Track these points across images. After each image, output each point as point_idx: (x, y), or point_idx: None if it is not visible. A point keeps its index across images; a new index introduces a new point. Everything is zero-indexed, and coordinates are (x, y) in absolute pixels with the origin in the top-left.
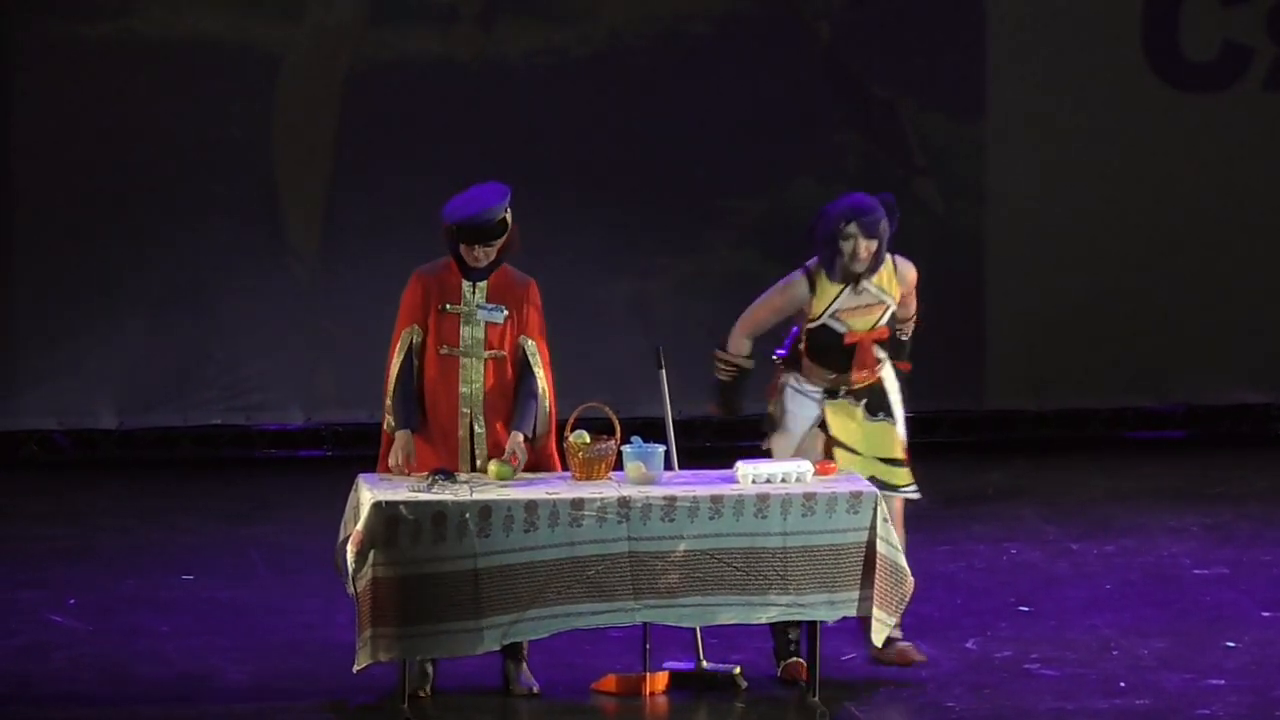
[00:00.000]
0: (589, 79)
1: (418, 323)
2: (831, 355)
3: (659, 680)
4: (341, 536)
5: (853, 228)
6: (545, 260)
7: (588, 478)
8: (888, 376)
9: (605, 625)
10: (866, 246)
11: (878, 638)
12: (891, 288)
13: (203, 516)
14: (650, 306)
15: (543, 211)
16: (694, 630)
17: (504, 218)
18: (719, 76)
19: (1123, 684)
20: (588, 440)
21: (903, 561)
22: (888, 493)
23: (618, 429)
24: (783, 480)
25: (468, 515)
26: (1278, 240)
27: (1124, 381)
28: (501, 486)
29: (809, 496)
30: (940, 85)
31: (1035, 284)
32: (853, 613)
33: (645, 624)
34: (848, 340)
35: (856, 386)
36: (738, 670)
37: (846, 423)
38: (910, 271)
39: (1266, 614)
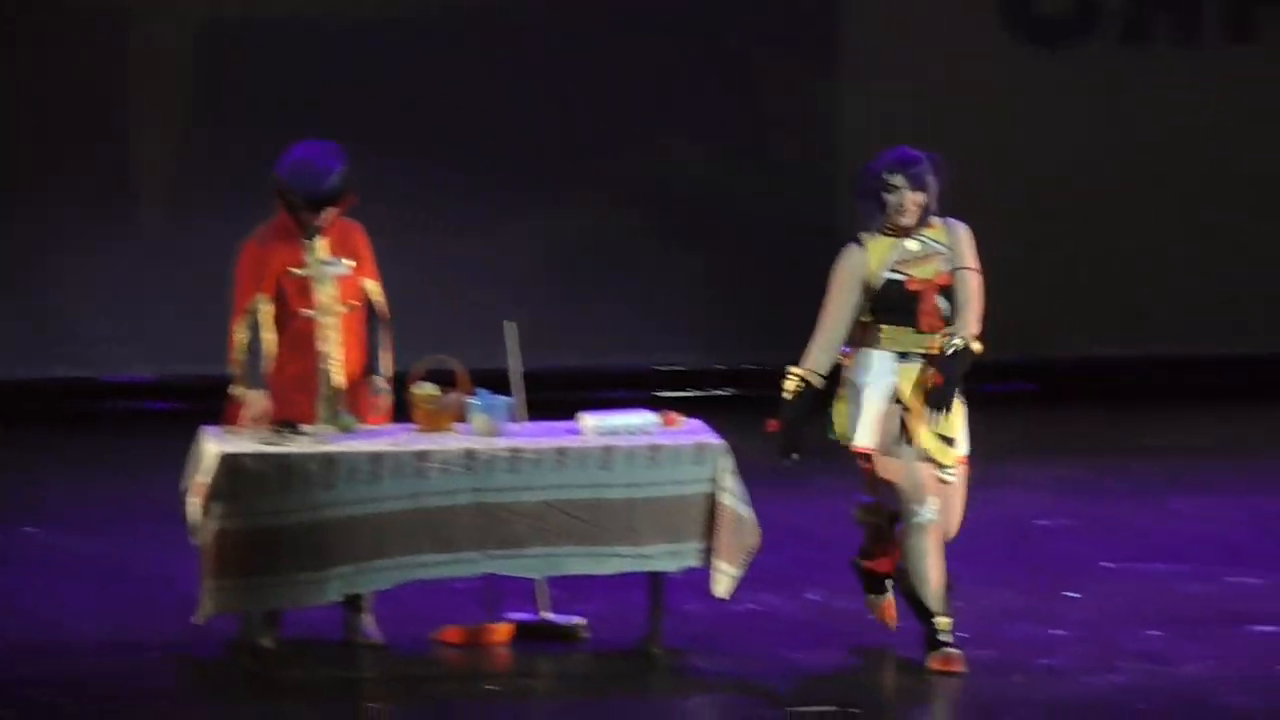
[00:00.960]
0: (445, 32)
1: (263, 291)
2: (898, 311)
3: (502, 631)
4: (182, 487)
5: (899, 179)
6: (401, 213)
7: (433, 430)
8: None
9: (449, 576)
10: (913, 199)
11: (720, 588)
12: (942, 238)
13: (47, 469)
14: (500, 260)
15: (398, 165)
16: (538, 582)
17: (342, 180)
18: (583, 31)
19: (967, 635)
20: (433, 392)
21: (747, 512)
22: (933, 469)
23: (464, 381)
24: (628, 431)
25: (312, 467)
26: (1123, 198)
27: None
28: (346, 438)
29: (653, 448)
30: (794, 38)
31: None
32: (697, 563)
33: (489, 575)
34: (909, 286)
35: (927, 349)
36: (580, 621)
37: (914, 389)
38: (962, 228)
39: (1110, 565)
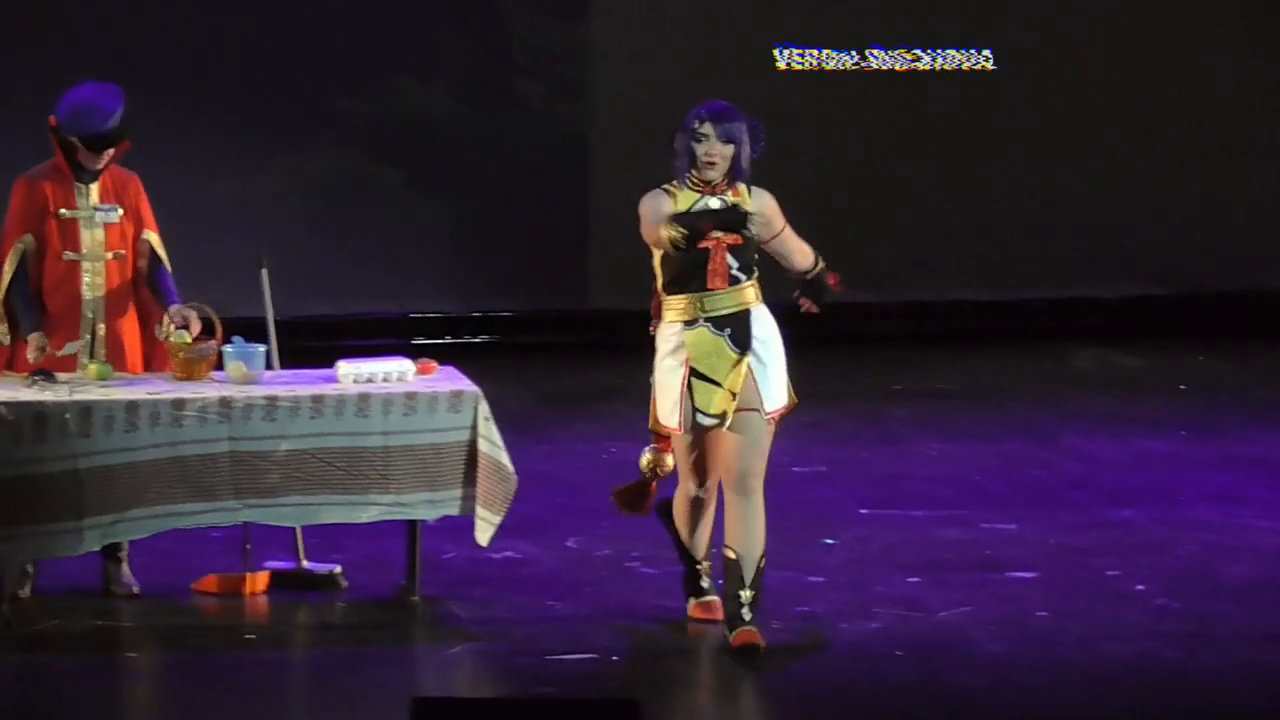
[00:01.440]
0: None
1: (31, 231)
2: (689, 274)
3: (260, 580)
4: None
5: (706, 128)
6: (148, 159)
7: (189, 378)
8: (759, 317)
9: (207, 525)
10: (720, 151)
11: (482, 536)
12: (745, 203)
13: None
14: (252, 206)
15: (146, 111)
16: (295, 530)
17: (122, 122)
18: None
19: (720, 581)
20: (189, 340)
21: (505, 460)
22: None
23: (219, 329)
24: (384, 379)
25: (68, 416)
26: (868, 153)
27: None
28: (103, 387)
29: (410, 396)
30: None
31: (637, 185)
32: (455, 511)
33: (246, 524)
34: (699, 246)
35: (719, 312)
36: (338, 570)
37: (708, 351)
38: (768, 196)
39: (864, 511)
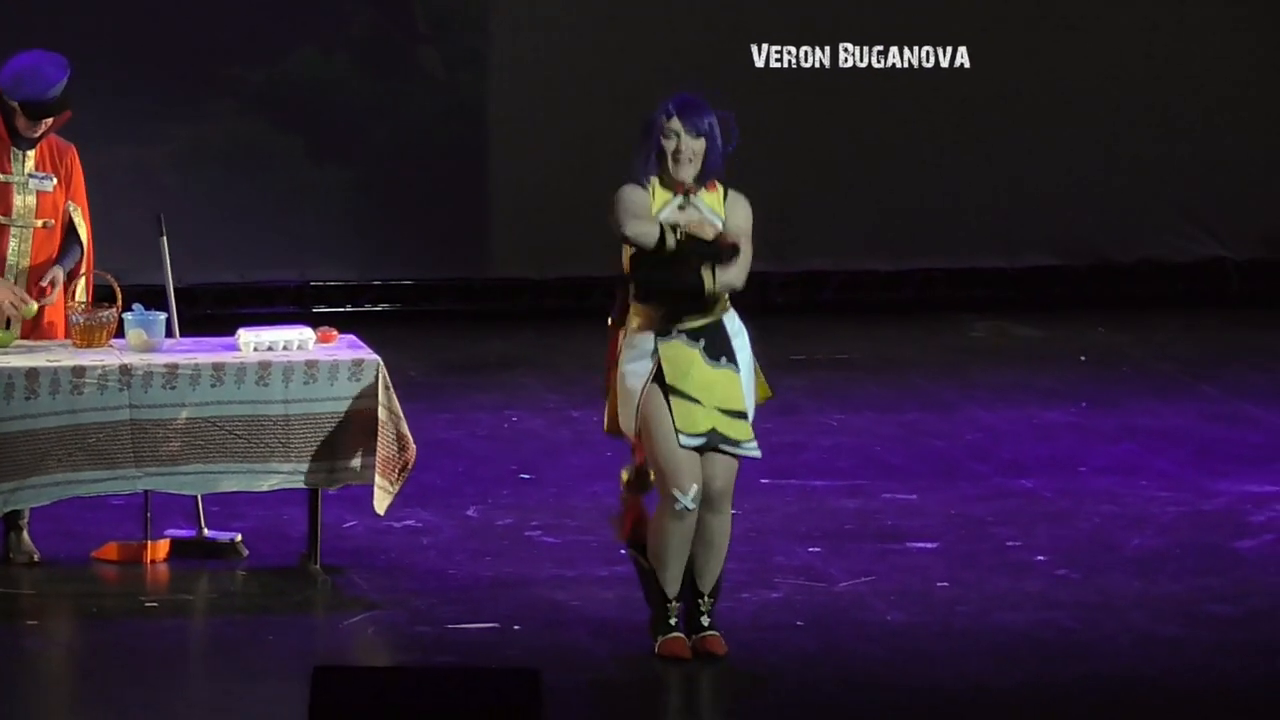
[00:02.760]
0: None
1: None
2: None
3: (160, 548)
4: None
5: (675, 124)
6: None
7: (88, 345)
8: (730, 319)
9: (107, 493)
10: (691, 146)
11: (379, 505)
12: (720, 210)
13: None
14: (151, 174)
15: None
16: (196, 498)
17: (64, 92)
18: None
19: (623, 551)
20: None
21: (405, 429)
22: (727, 447)
23: (119, 296)
24: (284, 348)
25: None
26: (760, 125)
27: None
28: (2, 353)
29: (311, 364)
30: None
31: (539, 154)
32: (355, 481)
33: (147, 492)
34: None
35: (691, 324)
36: (238, 538)
37: (684, 366)
38: (742, 204)
39: (764, 481)
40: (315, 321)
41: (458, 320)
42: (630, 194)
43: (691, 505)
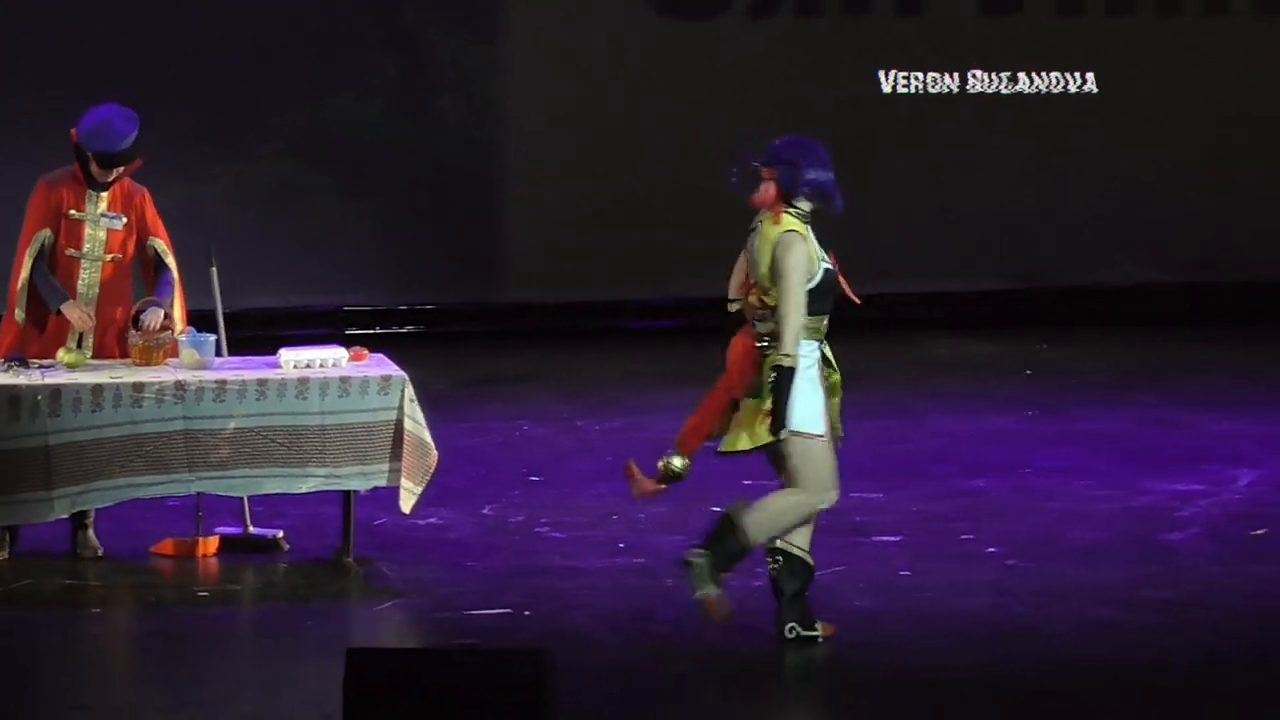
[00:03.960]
0: None
1: (49, 226)
2: (827, 298)
3: (211, 544)
4: None
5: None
6: None
7: (147, 364)
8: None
9: (163, 495)
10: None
11: (405, 505)
12: (763, 242)
13: None
14: (202, 210)
15: None
16: (242, 499)
17: (134, 144)
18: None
19: (622, 545)
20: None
21: (428, 437)
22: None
23: (175, 320)
24: (321, 365)
25: (40, 398)
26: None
27: (627, 276)
28: (71, 372)
29: (344, 380)
30: (464, 11)
31: (549, 190)
32: (384, 483)
33: (199, 494)
34: (838, 273)
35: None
36: (280, 535)
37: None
38: (772, 247)
39: (748, 482)
40: (348, 342)
41: (475, 340)
42: (798, 251)
43: (829, 506)
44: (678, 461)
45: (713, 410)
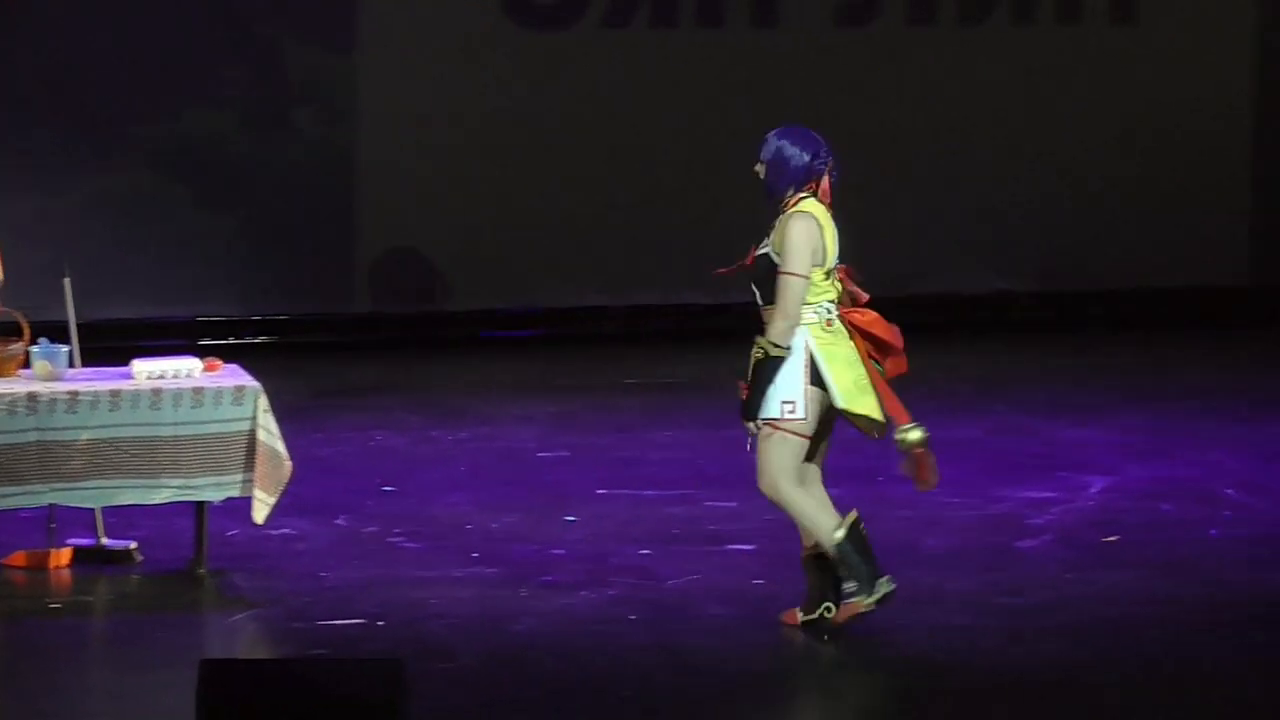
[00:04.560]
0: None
1: None
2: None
3: (63, 555)
4: None
5: (831, 161)
6: None
7: None
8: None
9: (15, 507)
10: (759, 170)
11: (258, 515)
12: (777, 233)
13: None
14: (57, 222)
15: None
16: (95, 510)
17: None
18: (123, 12)
19: (476, 554)
20: None
21: (281, 447)
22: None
23: (26, 332)
24: (174, 376)
25: None
26: (606, 163)
27: (482, 286)
28: None
29: (197, 390)
30: (318, 21)
31: (404, 200)
32: (237, 493)
33: (51, 505)
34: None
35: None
36: (133, 546)
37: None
38: (781, 226)
39: (601, 491)
40: (202, 353)
41: (330, 350)
42: (805, 231)
43: None
44: (914, 433)
45: (883, 386)
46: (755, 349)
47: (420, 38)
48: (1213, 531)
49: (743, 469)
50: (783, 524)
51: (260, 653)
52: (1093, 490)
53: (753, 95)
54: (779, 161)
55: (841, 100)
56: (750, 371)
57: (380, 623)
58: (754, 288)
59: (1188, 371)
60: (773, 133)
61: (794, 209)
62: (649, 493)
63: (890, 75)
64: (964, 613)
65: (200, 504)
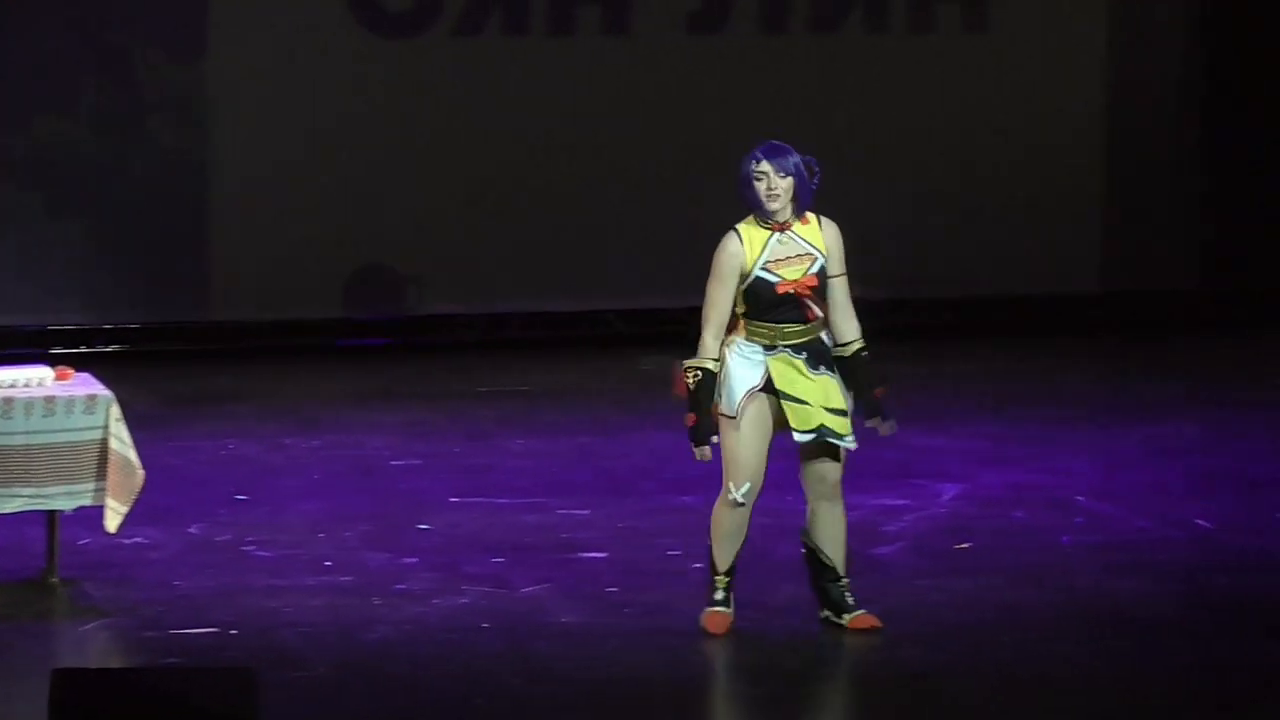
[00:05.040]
0: None
1: None
2: (766, 308)
3: None
4: None
5: (765, 165)
6: None
7: None
8: (825, 336)
9: None
10: (781, 185)
11: (111, 524)
12: (817, 241)
13: None
14: None
15: None
16: None
17: None
18: None
19: (329, 563)
20: None
21: (134, 456)
22: (833, 440)
23: None
24: (25, 385)
25: None
26: (457, 168)
27: (334, 294)
28: None
29: (49, 399)
30: (171, 30)
31: (257, 208)
32: (89, 502)
33: None
34: (779, 290)
35: (795, 340)
36: None
37: (791, 375)
38: (832, 229)
39: (455, 499)
40: (53, 361)
41: (182, 358)
42: (726, 251)
43: (742, 500)
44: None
45: None
46: (836, 355)
47: (272, 46)
48: (1064, 538)
49: (597, 476)
50: (634, 532)
51: (113, 662)
52: (945, 498)
53: (605, 102)
54: (801, 177)
55: (692, 107)
56: (846, 379)
57: (233, 631)
58: (808, 303)
59: (1039, 379)
60: (787, 146)
61: (813, 215)
62: (502, 501)
63: (742, 82)
64: (817, 621)
65: (52, 513)
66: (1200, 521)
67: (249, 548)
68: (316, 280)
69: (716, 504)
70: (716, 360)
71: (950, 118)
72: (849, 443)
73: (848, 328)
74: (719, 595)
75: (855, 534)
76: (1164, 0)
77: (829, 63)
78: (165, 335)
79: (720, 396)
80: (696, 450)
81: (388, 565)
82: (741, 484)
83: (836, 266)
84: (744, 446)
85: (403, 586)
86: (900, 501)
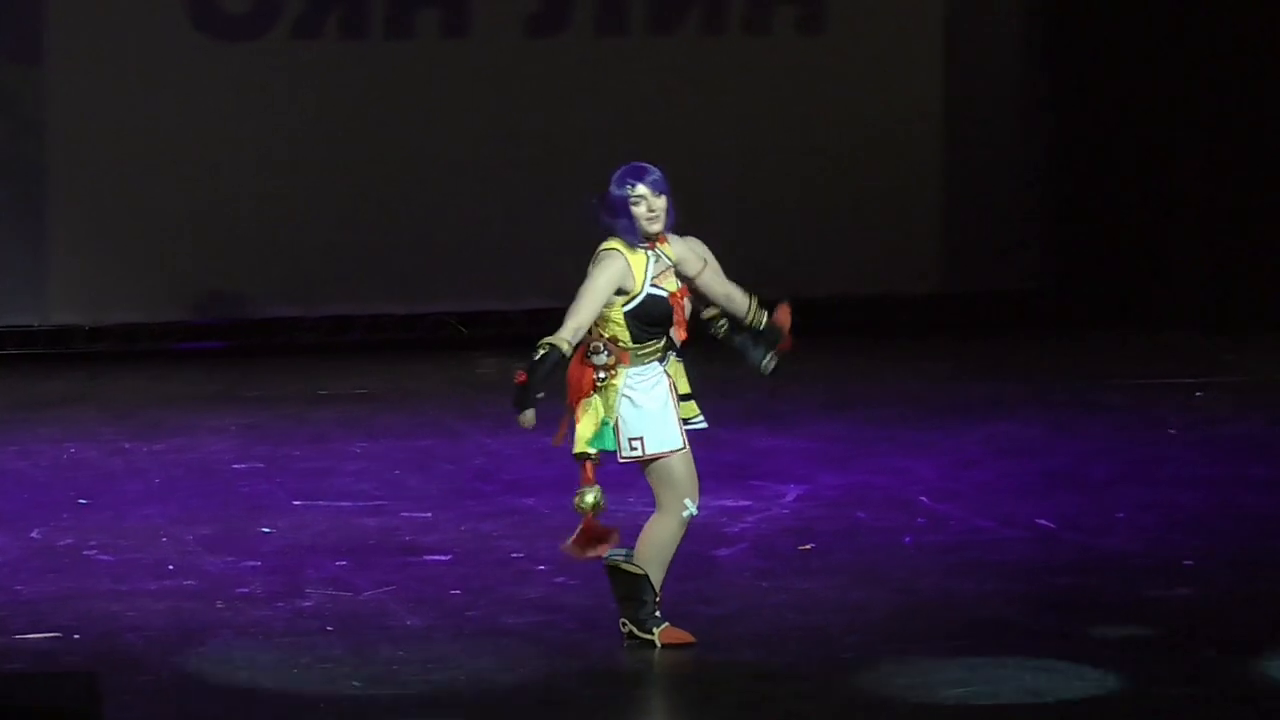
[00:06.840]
0: None
1: None
2: (656, 322)
3: None
4: None
5: (641, 188)
6: None
7: None
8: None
9: None
10: (660, 205)
11: None
12: (670, 254)
13: None
14: None
15: None
16: None
17: None
18: None
19: (171, 567)
20: None
21: None
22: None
23: None
24: None
25: None
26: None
27: (172, 298)
28: None
29: None
30: (4, 31)
31: (95, 211)
32: None
33: None
34: (671, 301)
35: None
36: None
37: (680, 374)
38: (697, 242)
39: (297, 503)
40: None
41: (20, 362)
42: (609, 268)
43: (696, 513)
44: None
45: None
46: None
47: (109, 50)
48: (906, 539)
49: (438, 479)
50: (476, 535)
51: None
52: (788, 499)
53: (444, 104)
54: (669, 190)
55: (532, 109)
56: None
57: (75, 636)
58: (685, 313)
59: (880, 379)
60: (654, 167)
61: (672, 234)
62: (344, 504)
63: (581, 84)
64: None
65: None
66: (1042, 521)
67: (91, 552)
68: (156, 283)
69: (657, 526)
70: (570, 344)
71: (788, 119)
72: (699, 423)
73: (739, 297)
74: (658, 614)
75: (696, 536)
76: None
77: (665, 65)
78: (3, 339)
79: (643, 438)
80: (520, 417)
81: (230, 569)
82: (696, 499)
83: (694, 266)
84: (685, 463)
85: (245, 590)
86: (742, 503)
